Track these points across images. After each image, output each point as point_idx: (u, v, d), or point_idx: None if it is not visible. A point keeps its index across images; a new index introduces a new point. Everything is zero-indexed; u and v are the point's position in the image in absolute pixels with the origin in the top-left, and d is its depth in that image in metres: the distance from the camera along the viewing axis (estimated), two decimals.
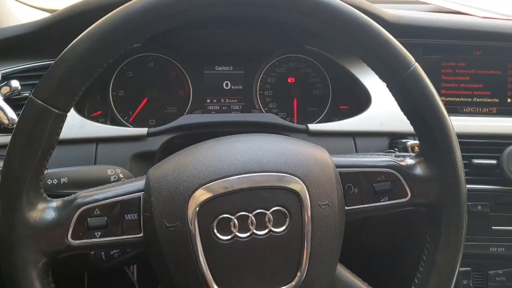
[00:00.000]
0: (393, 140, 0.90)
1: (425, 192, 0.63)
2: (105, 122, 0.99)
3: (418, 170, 0.64)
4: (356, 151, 0.88)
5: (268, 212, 0.56)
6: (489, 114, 1.05)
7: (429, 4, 1.26)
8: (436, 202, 0.63)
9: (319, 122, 1.04)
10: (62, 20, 0.88)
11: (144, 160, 0.84)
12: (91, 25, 0.55)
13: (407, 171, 0.63)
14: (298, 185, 0.57)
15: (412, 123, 0.64)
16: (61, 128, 0.56)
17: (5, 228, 0.54)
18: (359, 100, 0.98)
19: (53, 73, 0.53)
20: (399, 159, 0.65)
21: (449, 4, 1.20)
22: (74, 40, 0.54)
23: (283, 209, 0.56)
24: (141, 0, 0.54)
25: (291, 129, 0.89)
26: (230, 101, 1.05)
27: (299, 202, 0.57)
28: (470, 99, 1.05)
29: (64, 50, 0.54)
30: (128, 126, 0.98)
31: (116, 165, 0.78)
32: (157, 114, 1.02)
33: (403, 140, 0.87)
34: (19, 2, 1.07)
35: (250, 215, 0.55)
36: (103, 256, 0.72)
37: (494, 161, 0.93)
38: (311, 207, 0.57)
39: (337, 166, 0.62)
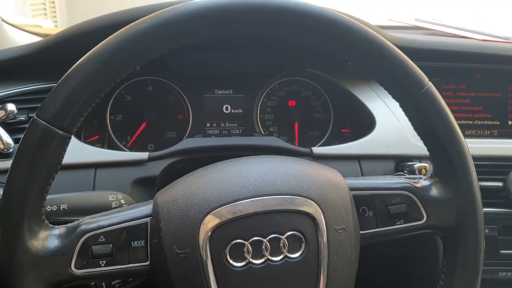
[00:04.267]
0: (399, 163, 0.88)
1: (442, 214, 0.62)
2: (102, 147, 0.96)
3: (434, 192, 0.62)
4: (362, 175, 0.86)
5: (283, 237, 0.53)
6: (491, 136, 1.04)
7: (428, 29, 1.27)
8: (453, 224, 0.61)
9: (321, 145, 1.02)
10: (59, 42, 0.86)
11: (145, 186, 0.81)
12: (89, 46, 0.53)
13: (422, 193, 0.62)
14: (313, 209, 0.55)
15: (425, 143, 0.63)
16: (65, 150, 0.53)
17: (6, 257, 0.51)
18: (362, 123, 0.96)
19: (58, 92, 0.51)
20: (413, 180, 0.63)
21: (447, 29, 1.21)
22: (81, 59, 0.52)
23: (298, 233, 0.54)
24: (152, 18, 0.52)
25: (294, 152, 0.87)
26: (230, 125, 1.03)
27: (314, 227, 0.55)
28: (471, 122, 1.04)
29: (71, 69, 0.52)
30: (126, 151, 0.96)
31: (116, 191, 0.75)
32: (156, 138, 1.00)
33: (410, 163, 0.85)
34: (14, 26, 1.05)
35: (264, 240, 0.53)
36: (104, 287, 0.68)
37: (500, 184, 0.92)
38: (327, 232, 0.55)
39: (351, 189, 0.60)
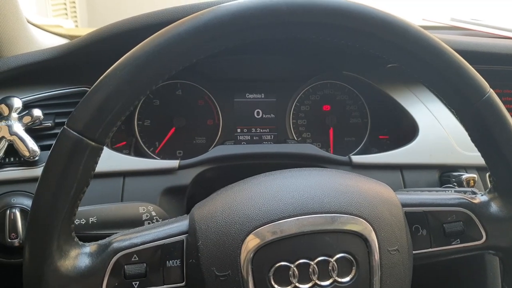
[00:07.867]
0: (443, 173, 0.82)
1: (503, 234, 0.56)
2: (129, 154, 0.92)
3: (494, 208, 0.57)
4: (405, 186, 0.81)
5: (332, 260, 0.49)
6: None
7: (466, 29, 1.21)
8: None
9: (358, 153, 0.97)
10: (87, 45, 0.82)
11: (175, 195, 0.77)
12: (120, 50, 0.49)
13: (481, 210, 0.57)
14: (365, 228, 0.50)
15: (484, 155, 0.57)
16: (96, 163, 0.49)
17: (33, 278, 0.47)
18: (402, 130, 0.91)
19: (90, 100, 0.47)
20: (470, 196, 0.58)
21: (487, 29, 1.15)
22: (115, 64, 0.48)
23: (349, 256, 0.49)
24: (191, 19, 0.48)
25: (332, 161, 0.82)
26: (261, 130, 0.98)
27: (366, 248, 0.50)
28: None
29: (103, 75, 0.48)
30: (154, 158, 0.92)
31: (145, 201, 0.71)
32: (185, 145, 0.95)
33: (456, 173, 0.80)
34: (38, 27, 1.02)
35: (312, 263, 0.48)
36: None
37: None
38: (379, 253, 0.50)
39: (403, 205, 0.55)
